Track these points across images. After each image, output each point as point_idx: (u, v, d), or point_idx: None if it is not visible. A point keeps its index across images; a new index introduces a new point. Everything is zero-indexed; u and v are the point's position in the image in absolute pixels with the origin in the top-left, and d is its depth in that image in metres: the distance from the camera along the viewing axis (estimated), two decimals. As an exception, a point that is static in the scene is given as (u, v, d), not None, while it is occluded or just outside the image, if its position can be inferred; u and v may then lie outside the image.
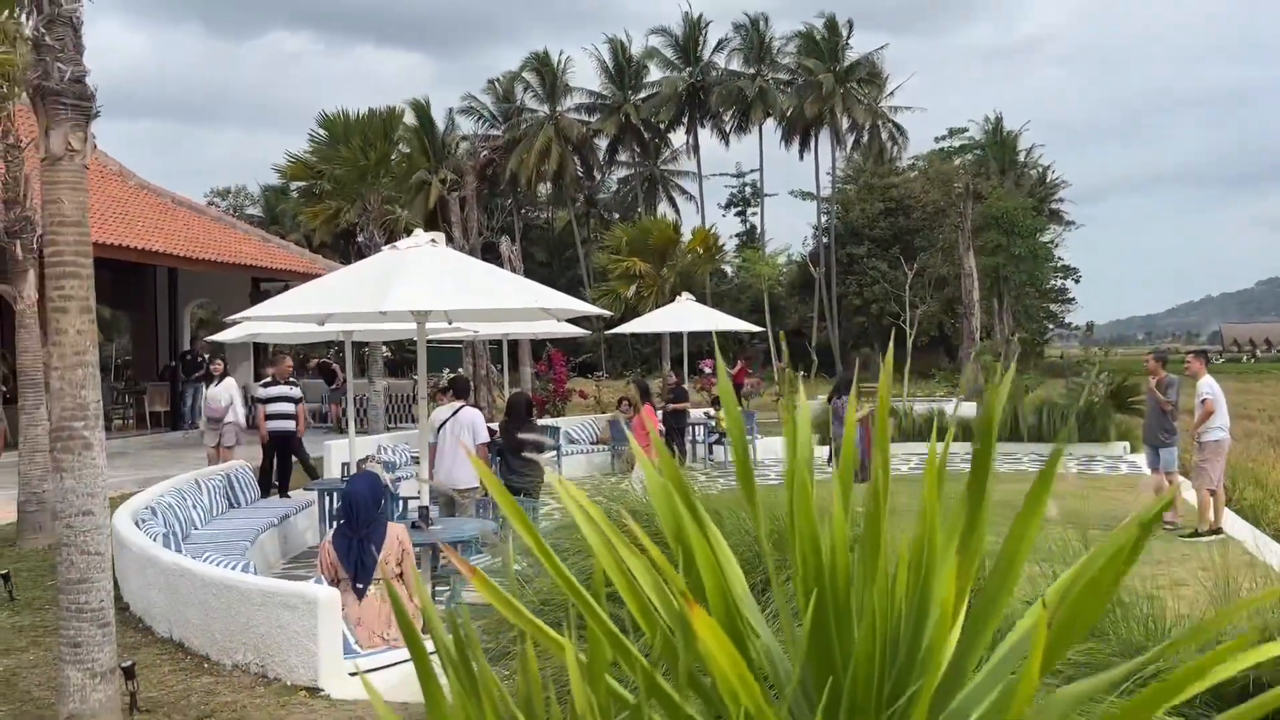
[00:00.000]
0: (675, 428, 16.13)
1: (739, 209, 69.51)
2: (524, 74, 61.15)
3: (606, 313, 9.28)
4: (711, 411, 17.70)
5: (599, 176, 65.96)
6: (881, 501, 1.65)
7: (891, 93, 60.14)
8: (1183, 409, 11.61)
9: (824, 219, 59.56)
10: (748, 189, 68.30)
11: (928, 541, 1.54)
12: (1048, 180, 60.63)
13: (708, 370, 22.34)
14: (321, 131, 20.11)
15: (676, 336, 21.15)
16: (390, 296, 7.06)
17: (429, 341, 9.22)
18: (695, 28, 60.35)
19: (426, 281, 7.19)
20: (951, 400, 22.25)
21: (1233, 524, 11.07)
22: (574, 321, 17.15)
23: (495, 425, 10.99)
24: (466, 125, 62.22)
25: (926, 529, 1.56)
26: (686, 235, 29.65)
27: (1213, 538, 9.92)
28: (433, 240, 7.68)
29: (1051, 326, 64.26)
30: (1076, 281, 63.48)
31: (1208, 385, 10.34)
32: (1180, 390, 11.21)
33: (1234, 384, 49.99)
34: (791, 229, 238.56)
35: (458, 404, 9.34)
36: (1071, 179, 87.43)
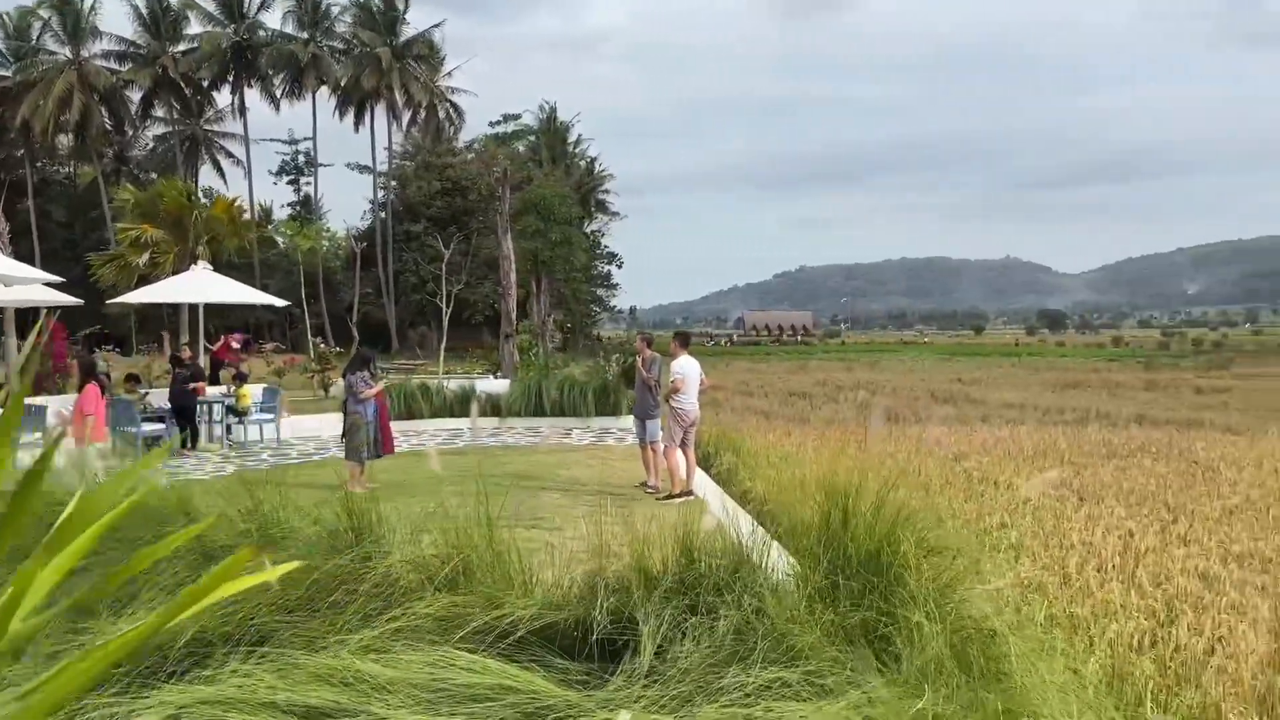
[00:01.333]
0: (185, 407, 15.10)
1: (291, 178, 66.74)
2: (41, 10, 54.17)
3: (56, 278, 8.29)
4: (231, 389, 16.81)
5: (131, 131, 60.17)
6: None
7: (450, 73, 60.55)
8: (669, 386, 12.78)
9: (381, 195, 58.76)
10: (301, 157, 65.73)
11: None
12: (595, 171, 64.18)
13: (235, 345, 21.16)
14: None
15: (216, 308, 19.76)
16: None
17: None
18: (240, -18, 56.83)
19: None
20: (488, 378, 22.90)
21: (704, 487, 12.38)
22: (68, 289, 15.49)
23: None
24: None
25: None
26: (242, 202, 27.83)
27: (683, 499, 11.00)
28: None
29: (598, 310, 68.25)
30: (620, 268, 67.88)
31: (678, 365, 11.40)
32: (664, 368, 12.30)
33: (744, 364, 56.18)
34: (350, 202, 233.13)
35: None
36: (625, 171, 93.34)
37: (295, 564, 1.51)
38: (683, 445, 11.51)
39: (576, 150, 64.11)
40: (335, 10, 58.03)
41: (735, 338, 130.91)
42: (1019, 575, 7.72)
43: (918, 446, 16.06)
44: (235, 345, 20.68)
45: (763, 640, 2.92)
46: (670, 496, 11.12)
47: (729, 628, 3.05)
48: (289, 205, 66.78)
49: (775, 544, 3.86)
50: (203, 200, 32.70)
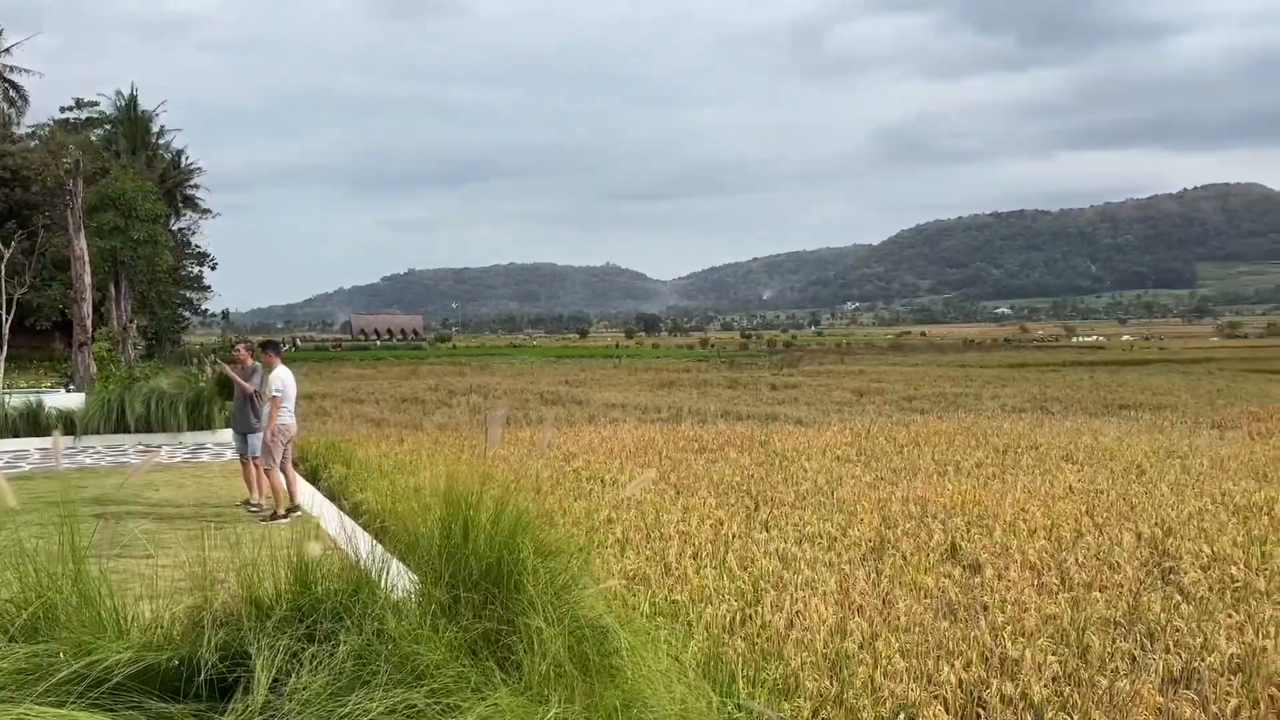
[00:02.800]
0: None
1: None
2: None
3: None
4: None
5: None
6: None
7: (9, 49, 53.60)
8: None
9: (-86, 182, 50.81)
10: None
11: None
12: (182, 164, 59.59)
13: None
14: None
15: None
16: None
17: None
18: None
19: None
20: (59, 391, 20.56)
21: (315, 501, 11.94)
22: None
23: None
24: None
25: None
26: None
27: (292, 515, 10.52)
28: None
29: (189, 314, 63.43)
30: (213, 269, 63.48)
31: (277, 378, 10.85)
32: (265, 379, 11.69)
33: (353, 370, 54.75)
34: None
35: None
36: (218, 166, 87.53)
37: None
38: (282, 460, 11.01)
39: (161, 141, 59.19)
40: None
41: (299, 341, 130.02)
42: (625, 569, 8.17)
43: (530, 449, 16.46)
44: None
45: (386, 663, 2.87)
46: (276, 515, 10.60)
47: (350, 653, 2.97)
48: None
49: (395, 561, 3.81)
50: None
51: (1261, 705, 5.33)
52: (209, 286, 63.77)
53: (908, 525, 9.74)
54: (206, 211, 62.79)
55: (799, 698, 5.47)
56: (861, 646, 6.15)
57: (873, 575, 7.90)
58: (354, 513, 11.46)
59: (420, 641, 2.95)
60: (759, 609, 6.91)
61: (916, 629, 6.55)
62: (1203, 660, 5.95)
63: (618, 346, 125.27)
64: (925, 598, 7.32)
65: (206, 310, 69.20)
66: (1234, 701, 5.32)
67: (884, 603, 7.17)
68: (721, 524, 9.94)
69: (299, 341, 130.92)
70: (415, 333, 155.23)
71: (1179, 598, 7.18)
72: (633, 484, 11.06)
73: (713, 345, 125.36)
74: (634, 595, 7.23)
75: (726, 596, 7.23)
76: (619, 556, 8.57)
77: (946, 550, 8.76)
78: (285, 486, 10.87)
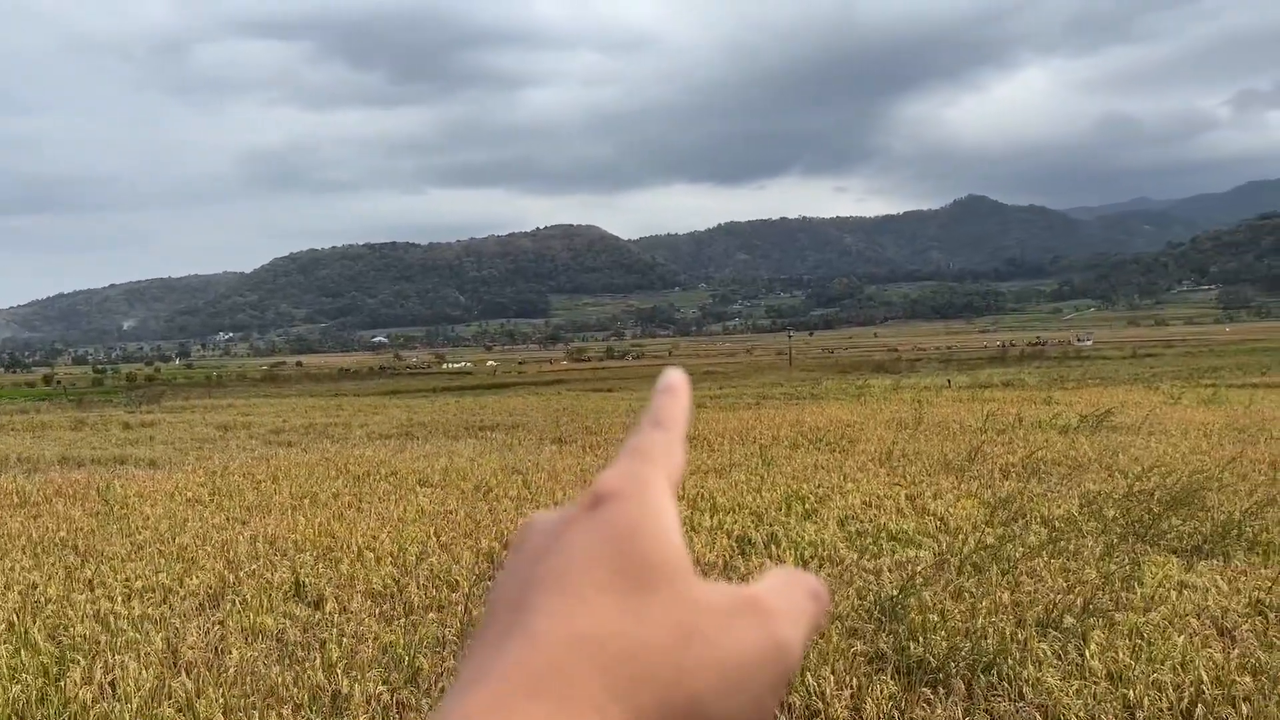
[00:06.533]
0: None
1: None
2: None
3: None
4: None
5: None
6: None
7: None
8: None
9: None
10: None
11: None
12: None
13: None
14: None
15: None
16: None
17: None
18: None
19: None
20: None
21: None
22: None
23: None
24: None
25: None
26: None
27: None
28: None
29: None
30: None
31: None
32: None
33: None
34: None
35: None
36: None
37: None
38: None
39: None
40: None
41: None
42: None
43: None
44: None
45: None
46: None
47: None
48: None
49: None
50: None
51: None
52: None
53: (254, 566, 9.25)
54: None
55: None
56: (181, 710, 5.63)
57: (209, 625, 7.35)
58: None
59: None
60: (64, 683, 6.04)
61: (248, 678, 6.17)
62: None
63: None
64: (263, 641, 6.95)
65: None
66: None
67: (216, 654, 6.67)
68: (35, 588, 8.64)
69: None
70: None
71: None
72: None
73: (59, 382, 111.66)
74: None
75: (24, 674, 6.23)
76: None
77: (291, 588, 8.45)
78: None
